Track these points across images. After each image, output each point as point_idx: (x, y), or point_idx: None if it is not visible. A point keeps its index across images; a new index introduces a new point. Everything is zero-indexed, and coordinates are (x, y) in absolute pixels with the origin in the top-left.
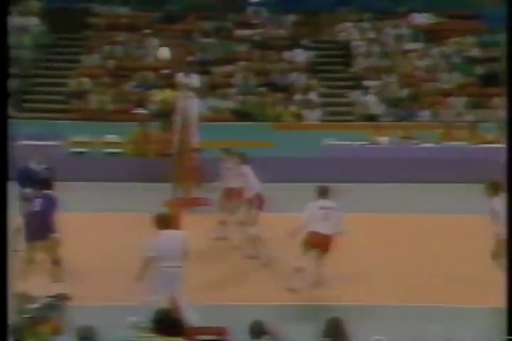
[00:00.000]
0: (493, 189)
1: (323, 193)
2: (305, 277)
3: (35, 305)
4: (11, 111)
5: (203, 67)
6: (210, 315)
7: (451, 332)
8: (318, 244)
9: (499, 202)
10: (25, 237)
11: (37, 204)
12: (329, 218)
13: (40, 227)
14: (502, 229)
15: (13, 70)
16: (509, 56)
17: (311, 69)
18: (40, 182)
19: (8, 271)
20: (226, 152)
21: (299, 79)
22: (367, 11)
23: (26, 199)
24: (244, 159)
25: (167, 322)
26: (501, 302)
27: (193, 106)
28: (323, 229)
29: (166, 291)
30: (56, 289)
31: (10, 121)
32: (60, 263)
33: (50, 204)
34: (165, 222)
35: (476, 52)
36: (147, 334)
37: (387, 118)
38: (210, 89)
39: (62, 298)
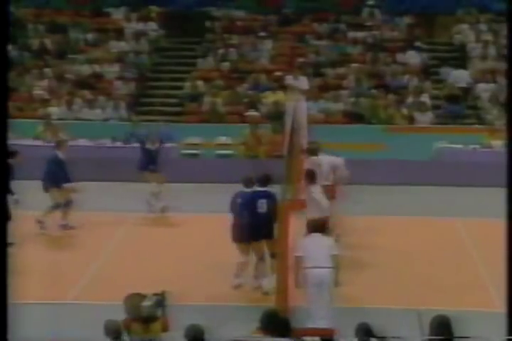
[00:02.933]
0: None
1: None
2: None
3: (148, 303)
4: (128, 115)
5: (315, 69)
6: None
7: None
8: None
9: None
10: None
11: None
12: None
13: None
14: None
15: (131, 74)
16: (509, 56)
17: (425, 71)
18: None
19: (8, 271)
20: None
21: (412, 81)
22: (484, 12)
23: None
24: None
25: (275, 322)
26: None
27: (302, 108)
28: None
29: (316, 293)
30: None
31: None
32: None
33: None
34: (316, 226)
35: None
36: (256, 335)
37: (501, 122)
38: (323, 91)
39: (165, 295)
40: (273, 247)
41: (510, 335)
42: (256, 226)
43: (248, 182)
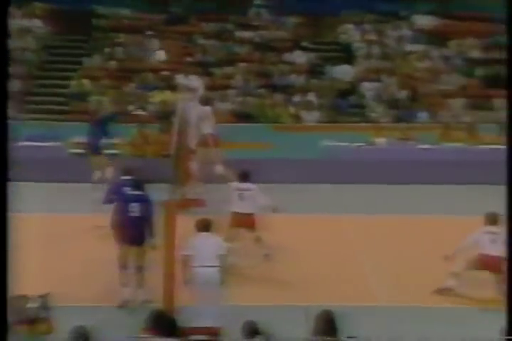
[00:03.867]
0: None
1: (242, 177)
2: None
3: (33, 305)
4: (13, 113)
5: (203, 69)
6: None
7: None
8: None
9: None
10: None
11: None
12: (244, 199)
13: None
14: None
15: (15, 72)
16: (509, 56)
17: (311, 70)
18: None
19: (8, 271)
20: None
21: (299, 80)
22: (368, 13)
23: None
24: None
25: (162, 322)
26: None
27: (192, 107)
28: (241, 208)
29: (204, 292)
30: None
31: (10, 122)
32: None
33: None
34: (205, 225)
35: (476, 53)
36: (142, 335)
37: (385, 119)
38: (211, 90)
39: (49, 297)
40: (141, 256)
41: (510, 335)
42: (128, 230)
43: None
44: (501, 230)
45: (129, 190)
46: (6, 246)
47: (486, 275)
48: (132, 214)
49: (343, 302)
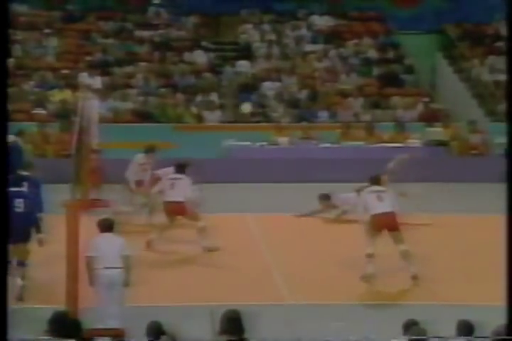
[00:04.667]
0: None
1: (178, 168)
2: None
3: None
4: None
5: (103, 68)
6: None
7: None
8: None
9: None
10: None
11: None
12: (175, 187)
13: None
14: None
15: None
16: (509, 54)
17: (212, 70)
18: None
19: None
20: None
21: (200, 80)
22: (267, 13)
23: None
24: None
25: (63, 323)
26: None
27: (93, 106)
28: (172, 197)
29: (108, 294)
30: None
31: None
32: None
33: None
34: (107, 225)
35: (373, 53)
36: (44, 337)
37: (286, 119)
38: (111, 90)
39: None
40: (25, 252)
41: (510, 335)
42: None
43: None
44: (386, 189)
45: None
46: (5, 246)
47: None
48: (17, 210)
49: (251, 301)
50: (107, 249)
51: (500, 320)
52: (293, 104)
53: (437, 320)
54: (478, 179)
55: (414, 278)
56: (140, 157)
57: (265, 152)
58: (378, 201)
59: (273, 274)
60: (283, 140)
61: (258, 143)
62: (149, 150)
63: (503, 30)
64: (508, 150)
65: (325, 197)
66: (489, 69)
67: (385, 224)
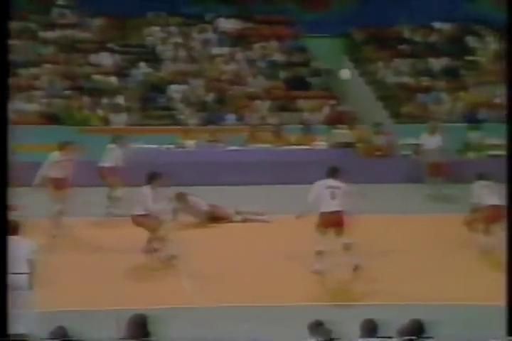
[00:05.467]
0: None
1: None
2: None
3: None
4: None
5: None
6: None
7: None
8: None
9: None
10: None
11: None
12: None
13: None
14: None
15: None
16: (509, 55)
17: (119, 73)
18: None
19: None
20: None
21: (106, 82)
22: (174, 15)
23: None
24: None
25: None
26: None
27: None
28: None
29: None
30: None
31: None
32: None
33: None
34: (13, 229)
35: (280, 56)
36: None
37: (194, 122)
38: (15, 91)
39: None
40: None
41: (510, 335)
42: None
43: None
44: (341, 185)
45: None
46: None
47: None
48: None
49: (158, 305)
50: (12, 253)
51: (441, 317)
52: (200, 106)
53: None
54: (384, 180)
55: (356, 269)
56: (56, 155)
57: (172, 155)
58: (331, 199)
59: (181, 277)
60: (190, 143)
61: (165, 146)
62: (62, 147)
63: (407, 33)
64: (508, 151)
65: None
66: (394, 72)
67: (333, 222)
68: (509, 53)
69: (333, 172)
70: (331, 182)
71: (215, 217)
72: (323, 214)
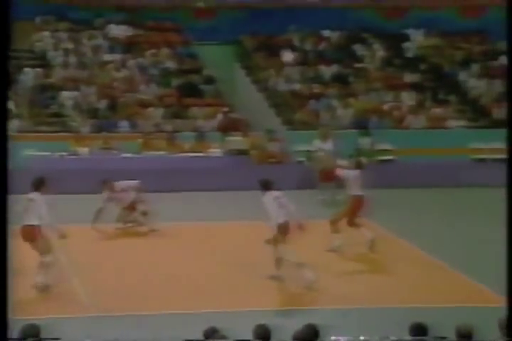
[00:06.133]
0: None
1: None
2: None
3: None
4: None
5: None
6: None
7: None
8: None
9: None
10: None
11: None
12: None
13: None
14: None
15: None
16: (509, 57)
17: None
18: None
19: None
20: None
21: None
22: (62, 20)
23: None
24: None
25: None
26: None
27: None
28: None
29: None
30: None
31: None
32: None
33: None
34: None
35: (172, 64)
36: None
37: (86, 129)
38: None
39: None
40: None
41: (510, 335)
42: None
43: None
44: (282, 194)
45: None
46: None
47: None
48: None
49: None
50: None
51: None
52: (92, 113)
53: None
54: (278, 186)
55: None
56: None
57: (65, 162)
58: (279, 209)
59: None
60: (83, 150)
61: (58, 153)
62: None
63: (296, 41)
64: (508, 153)
65: None
66: (285, 80)
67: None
68: (509, 54)
69: (268, 185)
70: (275, 193)
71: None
72: (280, 224)
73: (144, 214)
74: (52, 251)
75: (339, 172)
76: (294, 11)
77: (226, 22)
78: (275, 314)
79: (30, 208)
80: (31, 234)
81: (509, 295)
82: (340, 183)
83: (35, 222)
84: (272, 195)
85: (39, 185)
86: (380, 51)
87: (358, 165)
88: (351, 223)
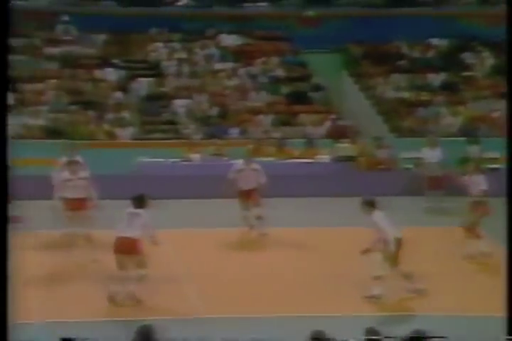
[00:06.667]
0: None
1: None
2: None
3: None
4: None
5: (12, 85)
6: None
7: None
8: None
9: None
10: None
11: None
12: (133, 222)
13: None
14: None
15: None
16: (509, 56)
17: (123, 87)
18: None
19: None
20: None
21: (111, 97)
22: (176, 31)
23: None
24: None
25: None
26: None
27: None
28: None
29: None
30: None
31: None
32: None
33: None
34: None
35: (281, 72)
36: None
37: (198, 136)
38: (21, 106)
39: None
40: None
41: (510, 336)
42: None
43: None
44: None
45: None
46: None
47: None
48: None
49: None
50: None
51: None
52: (204, 121)
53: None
54: (385, 193)
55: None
56: (65, 174)
57: (178, 168)
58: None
59: (186, 288)
60: (195, 156)
61: (171, 160)
62: (69, 165)
63: (405, 50)
64: (508, 155)
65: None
66: (393, 87)
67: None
68: (509, 54)
69: (375, 203)
70: (380, 212)
71: None
72: (397, 239)
73: (259, 218)
74: (146, 265)
75: (462, 178)
76: (398, 19)
77: (333, 30)
78: (381, 320)
79: (134, 221)
80: (131, 247)
81: (509, 300)
82: (450, 191)
83: (136, 235)
84: (379, 213)
85: (140, 202)
86: (489, 59)
87: (478, 170)
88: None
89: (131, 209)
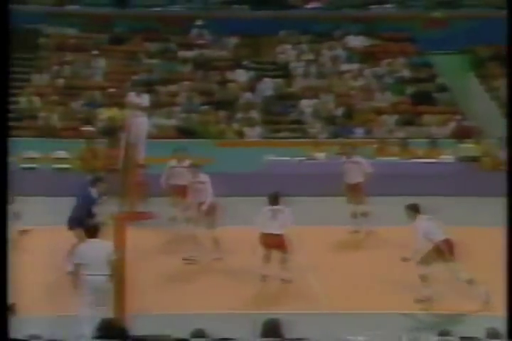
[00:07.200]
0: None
1: (272, 199)
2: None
3: None
4: None
5: (147, 87)
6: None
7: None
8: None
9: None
10: None
11: None
12: (277, 218)
13: None
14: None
15: None
16: (509, 56)
17: (253, 88)
18: None
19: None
20: None
21: (241, 98)
22: (304, 33)
23: None
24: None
25: (111, 331)
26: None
27: (140, 124)
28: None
29: (92, 300)
30: None
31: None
32: None
33: None
34: (93, 231)
35: (406, 72)
36: None
37: (324, 135)
38: (155, 107)
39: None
40: None
41: (510, 336)
42: None
43: None
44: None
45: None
46: (6, 245)
47: None
48: None
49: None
50: (93, 256)
51: None
52: (330, 120)
53: None
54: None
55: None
56: (173, 162)
57: (304, 167)
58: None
59: (311, 285)
60: (320, 155)
61: (297, 158)
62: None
63: None
64: (508, 157)
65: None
66: None
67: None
68: (509, 55)
69: (419, 208)
70: (425, 216)
71: None
72: (444, 242)
73: (364, 215)
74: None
75: None
76: None
77: (459, 31)
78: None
79: (277, 217)
80: (278, 243)
81: (509, 299)
82: None
83: (281, 232)
84: (423, 217)
85: (277, 199)
86: None
87: None
88: None
89: (272, 206)
